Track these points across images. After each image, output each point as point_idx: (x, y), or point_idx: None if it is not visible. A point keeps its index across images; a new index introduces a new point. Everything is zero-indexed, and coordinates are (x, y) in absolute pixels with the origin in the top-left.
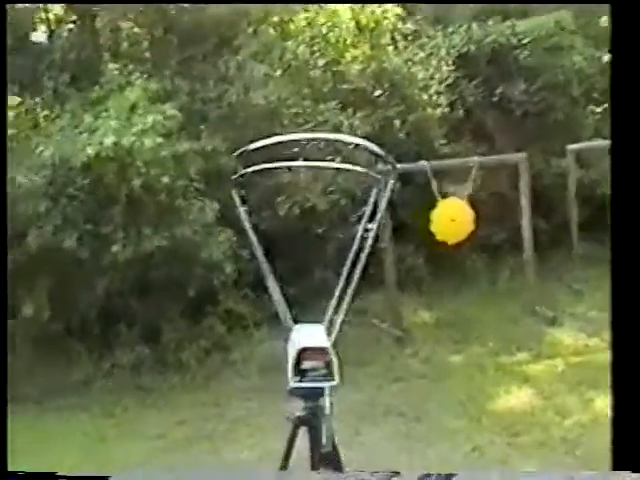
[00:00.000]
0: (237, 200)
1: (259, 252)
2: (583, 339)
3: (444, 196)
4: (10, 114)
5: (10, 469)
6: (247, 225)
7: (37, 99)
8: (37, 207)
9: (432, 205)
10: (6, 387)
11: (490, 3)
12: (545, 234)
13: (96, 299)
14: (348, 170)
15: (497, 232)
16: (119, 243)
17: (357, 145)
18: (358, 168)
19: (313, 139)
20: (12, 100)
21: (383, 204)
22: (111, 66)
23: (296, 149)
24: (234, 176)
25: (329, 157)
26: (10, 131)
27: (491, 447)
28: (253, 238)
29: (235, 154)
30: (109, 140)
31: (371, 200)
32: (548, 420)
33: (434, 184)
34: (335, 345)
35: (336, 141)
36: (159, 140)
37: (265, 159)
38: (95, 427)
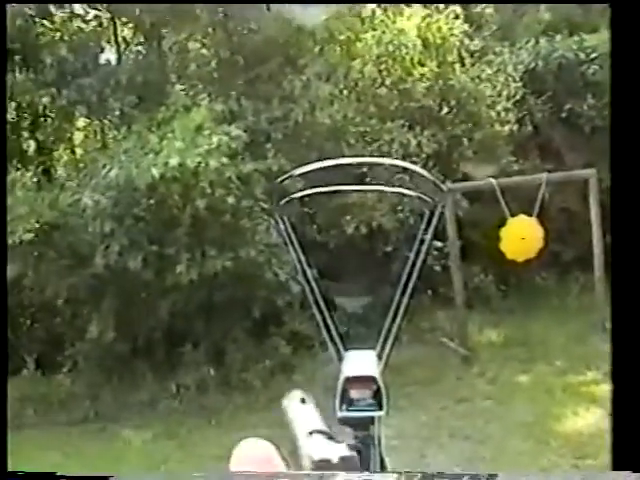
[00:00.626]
0: (286, 227)
1: (309, 278)
2: None
3: (513, 214)
4: (79, 135)
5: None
6: (297, 254)
7: (105, 120)
8: (103, 228)
9: (501, 223)
10: (6, 387)
11: (492, 3)
12: None
13: (161, 320)
14: (403, 194)
15: (567, 249)
16: (183, 264)
17: (405, 169)
18: (409, 191)
19: (360, 163)
20: (80, 122)
21: (431, 230)
22: (177, 87)
23: (364, 169)
24: (281, 202)
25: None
26: (79, 151)
27: (557, 470)
28: (303, 266)
29: (278, 180)
30: (174, 161)
31: (423, 225)
32: None
33: (502, 201)
34: (384, 371)
35: (381, 165)
36: (224, 160)
37: (323, 180)
38: (159, 447)
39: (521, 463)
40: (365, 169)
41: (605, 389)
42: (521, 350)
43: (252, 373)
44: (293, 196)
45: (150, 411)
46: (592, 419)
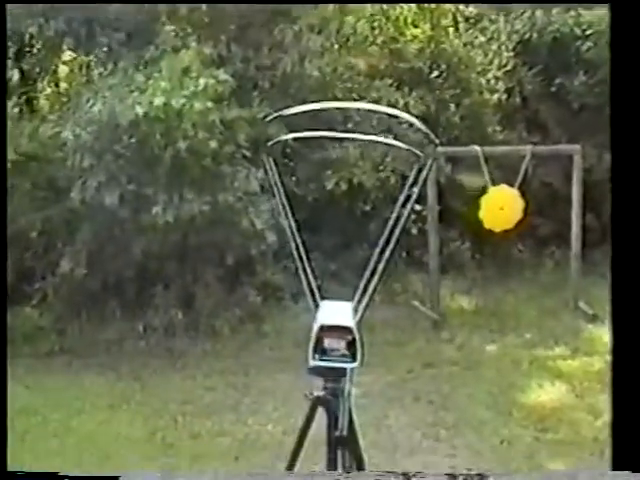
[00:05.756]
0: (271, 168)
1: (291, 224)
2: None
3: (495, 183)
4: (64, 69)
5: (10, 465)
6: (280, 196)
7: (91, 55)
8: (82, 162)
9: (482, 191)
10: (6, 387)
11: (495, 3)
12: (594, 230)
13: (133, 259)
14: (391, 145)
15: (545, 223)
16: (160, 205)
17: (396, 117)
18: (400, 144)
19: (350, 108)
20: (66, 56)
21: (419, 184)
22: (167, 28)
23: (349, 125)
24: (270, 142)
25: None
26: (63, 85)
27: (519, 441)
28: (286, 209)
29: (268, 119)
30: (158, 100)
31: (411, 179)
32: (579, 418)
33: (485, 170)
34: (360, 325)
35: (375, 112)
36: (209, 104)
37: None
38: (121, 387)
39: (483, 431)
40: (352, 125)
41: (572, 365)
42: (491, 319)
43: (221, 320)
44: (281, 138)
45: (116, 350)
46: (557, 393)
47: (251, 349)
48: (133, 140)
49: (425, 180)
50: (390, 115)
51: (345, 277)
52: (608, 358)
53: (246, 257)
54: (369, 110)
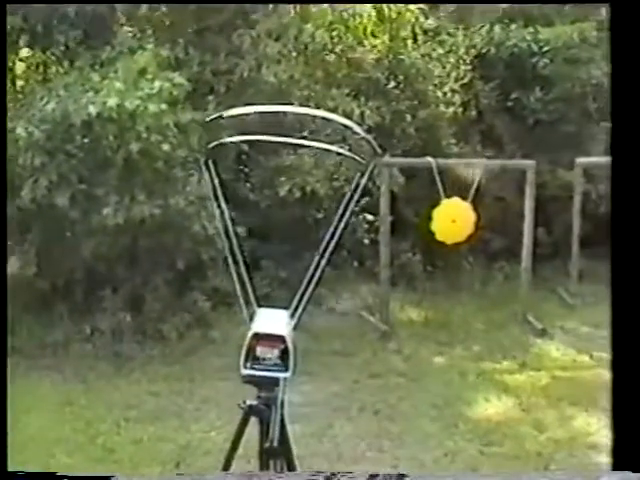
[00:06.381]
0: (211, 171)
1: (229, 228)
2: (571, 354)
3: (448, 196)
4: (21, 66)
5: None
6: (218, 200)
7: (48, 53)
8: (33, 161)
9: (435, 203)
10: (6, 387)
11: (489, 3)
12: (545, 245)
13: (83, 261)
14: (337, 153)
15: (497, 237)
16: (111, 206)
17: (344, 126)
18: (341, 151)
19: (293, 113)
20: (24, 51)
21: (359, 191)
22: (125, 28)
23: (304, 133)
24: (210, 145)
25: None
26: (19, 83)
27: (463, 454)
28: (224, 214)
29: (208, 119)
30: (113, 101)
31: (352, 185)
32: (524, 433)
33: (439, 182)
34: (294, 333)
35: (312, 116)
36: (163, 107)
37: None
38: (66, 390)
39: (428, 443)
40: (307, 133)
41: (519, 379)
42: (440, 332)
43: (169, 324)
44: (222, 140)
45: (63, 352)
46: (502, 407)
47: (198, 355)
48: (86, 140)
49: (365, 188)
50: (326, 119)
51: (295, 284)
52: (555, 373)
53: (197, 262)
54: (310, 115)
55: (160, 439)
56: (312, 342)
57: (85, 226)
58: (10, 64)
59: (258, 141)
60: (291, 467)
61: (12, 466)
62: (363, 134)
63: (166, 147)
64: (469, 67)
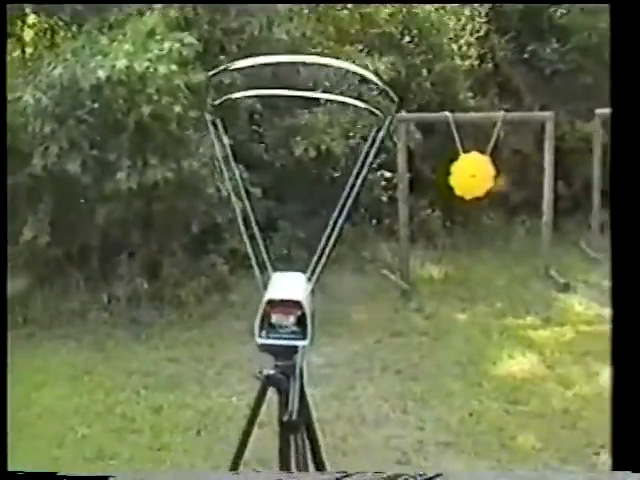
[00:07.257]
0: (218, 129)
1: (240, 190)
2: (595, 308)
3: (466, 150)
4: (29, 33)
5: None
6: (227, 159)
7: (56, 17)
8: (43, 128)
9: (453, 158)
10: (6, 387)
11: (492, 3)
12: (565, 198)
13: (97, 227)
14: (351, 105)
15: (517, 191)
16: (124, 171)
17: (361, 76)
18: (357, 102)
19: (303, 63)
20: (29, 19)
21: (376, 144)
22: None
23: (319, 90)
24: (216, 102)
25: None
26: (29, 50)
27: (488, 413)
28: (234, 173)
29: (211, 73)
30: (122, 64)
31: (369, 140)
32: (550, 390)
33: (457, 136)
34: (313, 297)
35: (328, 66)
36: (174, 68)
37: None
38: (84, 358)
39: (452, 403)
40: (321, 91)
41: (543, 335)
42: (461, 288)
43: (186, 289)
44: (229, 96)
45: (80, 321)
46: (527, 364)
47: (217, 319)
48: (96, 105)
49: (383, 141)
50: (343, 69)
51: (313, 244)
52: (579, 328)
53: (213, 224)
54: (323, 64)
55: (180, 406)
56: (332, 302)
57: (98, 192)
58: (18, 31)
59: (266, 96)
60: (313, 442)
61: (30, 443)
62: (380, 84)
63: (178, 109)
64: (484, 19)
